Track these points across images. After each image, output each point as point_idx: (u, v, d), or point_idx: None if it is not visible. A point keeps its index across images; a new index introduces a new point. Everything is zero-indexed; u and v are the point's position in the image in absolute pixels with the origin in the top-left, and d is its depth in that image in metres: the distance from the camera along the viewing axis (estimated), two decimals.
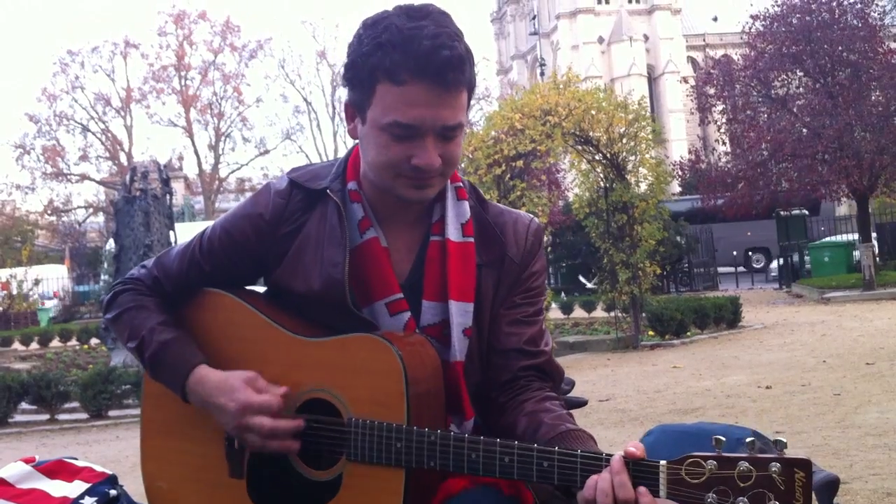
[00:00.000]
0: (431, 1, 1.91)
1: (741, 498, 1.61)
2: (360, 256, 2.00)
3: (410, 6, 1.86)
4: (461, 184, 2.10)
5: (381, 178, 1.94)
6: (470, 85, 1.90)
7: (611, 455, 1.71)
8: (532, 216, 2.19)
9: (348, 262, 1.97)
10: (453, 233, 2.03)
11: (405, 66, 1.79)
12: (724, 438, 1.65)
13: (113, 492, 2.54)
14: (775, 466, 1.60)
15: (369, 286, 2.01)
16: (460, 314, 2.01)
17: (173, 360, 2.02)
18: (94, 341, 21.65)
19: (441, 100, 1.83)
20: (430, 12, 1.85)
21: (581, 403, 2.40)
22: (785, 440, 1.62)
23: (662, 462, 1.67)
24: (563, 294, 27.04)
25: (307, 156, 67.42)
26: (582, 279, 23.44)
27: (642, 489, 1.67)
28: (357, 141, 2.02)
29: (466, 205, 2.07)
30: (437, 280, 2.02)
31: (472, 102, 2.07)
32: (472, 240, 2.04)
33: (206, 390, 1.97)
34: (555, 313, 20.07)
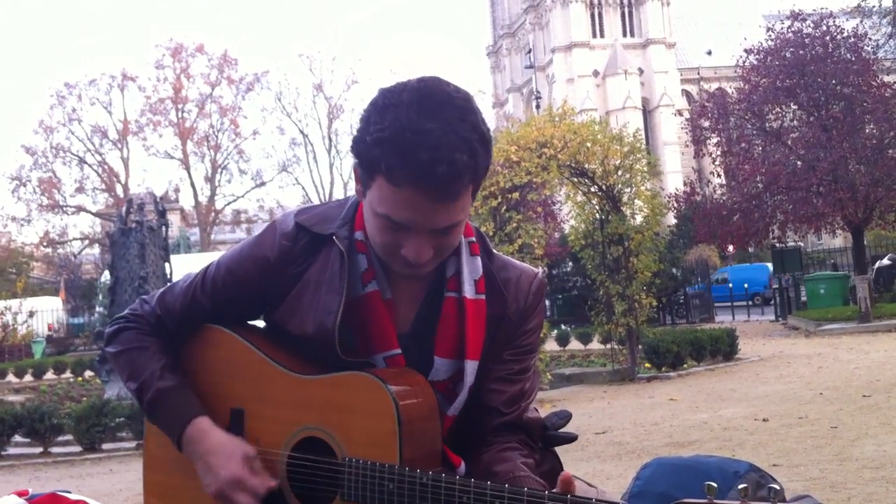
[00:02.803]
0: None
1: None
2: (361, 308, 1.99)
3: (427, 93, 1.79)
4: (474, 238, 2.07)
5: (377, 251, 1.95)
6: (475, 182, 1.84)
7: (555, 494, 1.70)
8: (537, 271, 2.15)
9: (350, 312, 1.96)
10: (469, 290, 2.02)
11: (402, 172, 1.74)
12: (715, 485, 1.61)
13: None
14: None
15: (370, 338, 2.00)
16: (472, 373, 2.01)
17: (172, 409, 2.02)
18: (88, 374, 21.56)
19: (436, 208, 1.80)
20: (444, 107, 1.77)
21: (570, 439, 2.37)
22: (779, 487, 1.59)
23: None
24: (560, 326, 26.98)
25: (303, 188, 67.70)
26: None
27: None
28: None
29: (479, 261, 2.05)
30: (453, 338, 2.01)
31: None
32: (483, 297, 2.03)
33: (204, 446, 1.97)
34: (551, 345, 20.01)
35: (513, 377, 2.07)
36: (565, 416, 2.38)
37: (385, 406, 1.84)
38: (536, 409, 2.21)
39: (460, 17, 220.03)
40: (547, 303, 33.66)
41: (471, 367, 2.00)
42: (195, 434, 1.99)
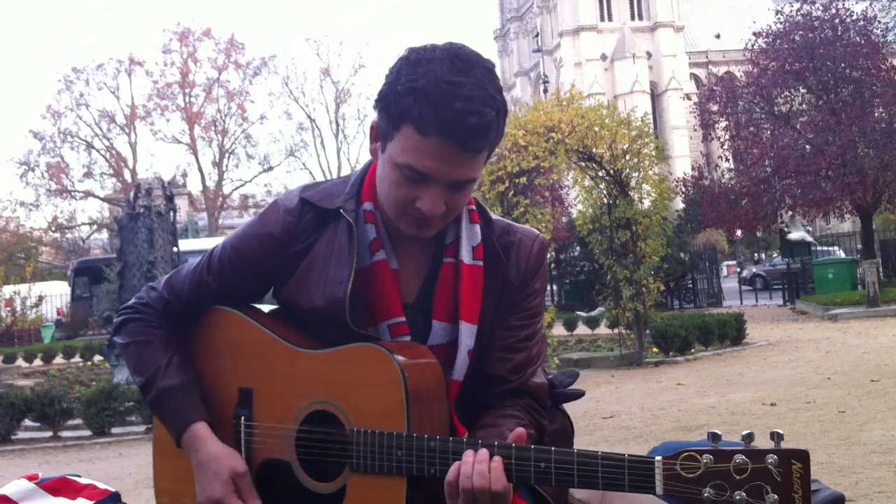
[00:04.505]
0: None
1: (738, 491, 1.60)
2: (368, 277, 2.01)
3: (458, 53, 1.86)
4: (473, 207, 2.11)
5: (388, 210, 1.98)
6: (493, 144, 1.92)
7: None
8: (538, 232, 2.19)
9: (356, 282, 1.98)
10: (466, 255, 2.05)
11: (432, 121, 1.80)
12: (720, 433, 1.65)
13: None
14: (772, 458, 1.59)
15: (375, 307, 2.03)
16: (468, 335, 2.03)
17: (172, 411, 2.05)
18: (97, 358, 21.62)
19: (458, 159, 1.85)
20: (474, 67, 1.85)
21: (577, 395, 2.38)
22: (782, 432, 1.61)
23: (658, 458, 1.67)
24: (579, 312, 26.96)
25: (311, 172, 67.58)
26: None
27: (496, 464, 1.75)
28: (373, 159, 2.05)
29: (478, 228, 2.09)
30: (449, 301, 2.04)
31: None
32: (481, 263, 2.06)
33: (198, 457, 2.01)
34: (558, 329, 20.02)
35: (519, 345, 2.09)
36: (573, 375, 2.40)
37: (392, 376, 1.85)
38: (545, 374, 2.21)
39: (460, 18, 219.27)
40: (554, 287, 33.82)
41: (466, 328, 2.02)
42: (191, 441, 2.02)
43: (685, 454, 1.64)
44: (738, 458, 1.61)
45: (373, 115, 1.99)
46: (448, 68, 1.82)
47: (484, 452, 1.77)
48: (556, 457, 1.74)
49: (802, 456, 1.59)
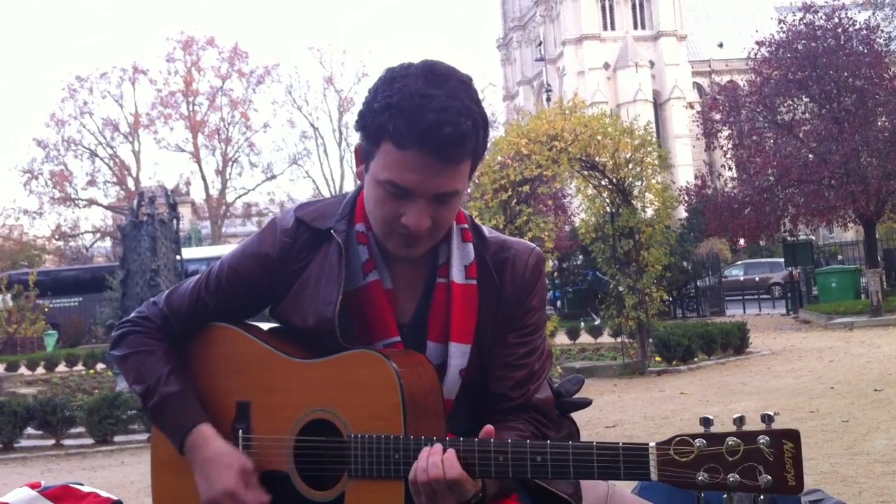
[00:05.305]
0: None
1: (732, 474, 1.63)
2: (362, 298, 2.04)
3: (433, 68, 1.89)
4: (466, 225, 2.11)
5: (377, 230, 2.00)
6: (474, 155, 1.93)
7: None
8: (534, 246, 2.18)
9: (351, 303, 2.01)
10: (457, 275, 2.06)
11: (408, 134, 1.82)
12: (711, 417, 1.68)
13: None
14: (763, 439, 1.62)
15: (370, 328, 2.05)
16: (458, 356, 2.04)
17: (175, 415, 2.05)
18: (100, 366, 21.62)
19: (439, 170, 1.87)
20: (449, 79, 1.87)
21: (584, 404, 2.39)
22: (773, 413, 1.63)
23: (651, 444, 1.70)
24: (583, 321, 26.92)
25: (314, 181, 67.70)
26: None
27: (448, 454, 1.79)
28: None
29: (471, 247, 2.09)
30: (442, 322, 2.06)
31: None
32: (474, 282, 2.06)
33: (204, 454, 2.00)
34: (561, 338, 19.99)
35: (518, 362, 2.09)
36: (578, 382, 2.40)
37: (388, 380, 1.87)
38: (551, 385, 2.22)
39: (460, 18, 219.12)
40: (556, 294, 33.73)
41: (455, 349, 2.03)
42: (197, 441, 2.02)
43: (678, 439, 1.68)
44: (731, 440, 1.64)
45: None
46: (422, 82, 1.84)
47: (437, 446, 1.81)
48: (551, 449, 1.77)
49: (793, 435, 1.62)
